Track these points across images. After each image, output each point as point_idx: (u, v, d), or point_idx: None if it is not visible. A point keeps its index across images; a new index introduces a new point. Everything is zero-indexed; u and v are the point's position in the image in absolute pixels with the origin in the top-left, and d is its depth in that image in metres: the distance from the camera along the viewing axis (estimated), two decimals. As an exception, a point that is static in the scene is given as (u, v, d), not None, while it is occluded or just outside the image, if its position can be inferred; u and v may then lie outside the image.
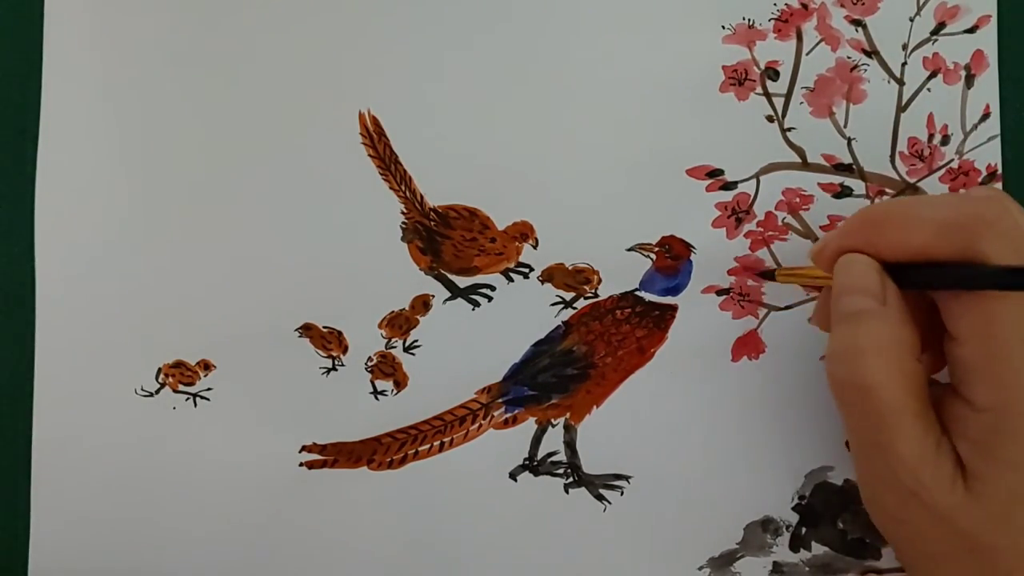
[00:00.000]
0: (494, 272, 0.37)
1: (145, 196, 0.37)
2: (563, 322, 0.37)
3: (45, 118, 0.37)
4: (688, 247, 0.37)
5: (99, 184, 0.37)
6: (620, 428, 0.37)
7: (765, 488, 0.37)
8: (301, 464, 0.37)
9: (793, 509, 0.37)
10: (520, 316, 0.37)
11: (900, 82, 0.36)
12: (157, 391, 0.37)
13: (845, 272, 0.30)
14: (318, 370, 0.37)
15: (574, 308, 0.37)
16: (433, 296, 0.37)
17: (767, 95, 0.36)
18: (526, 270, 0.37)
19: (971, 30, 0.36)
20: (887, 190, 0.37)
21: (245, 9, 0.36)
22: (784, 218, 0.37)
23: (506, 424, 0.37)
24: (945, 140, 0.36)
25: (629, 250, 0.37)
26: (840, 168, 0.37)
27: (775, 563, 0.37)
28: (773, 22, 0.36)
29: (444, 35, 0.36)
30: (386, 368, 0.37)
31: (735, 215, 0.37)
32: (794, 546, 0.37)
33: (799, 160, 0.37)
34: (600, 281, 0.37)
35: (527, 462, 0.37)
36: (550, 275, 0.37)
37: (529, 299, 0.37)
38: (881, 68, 0.36)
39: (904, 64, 0.36)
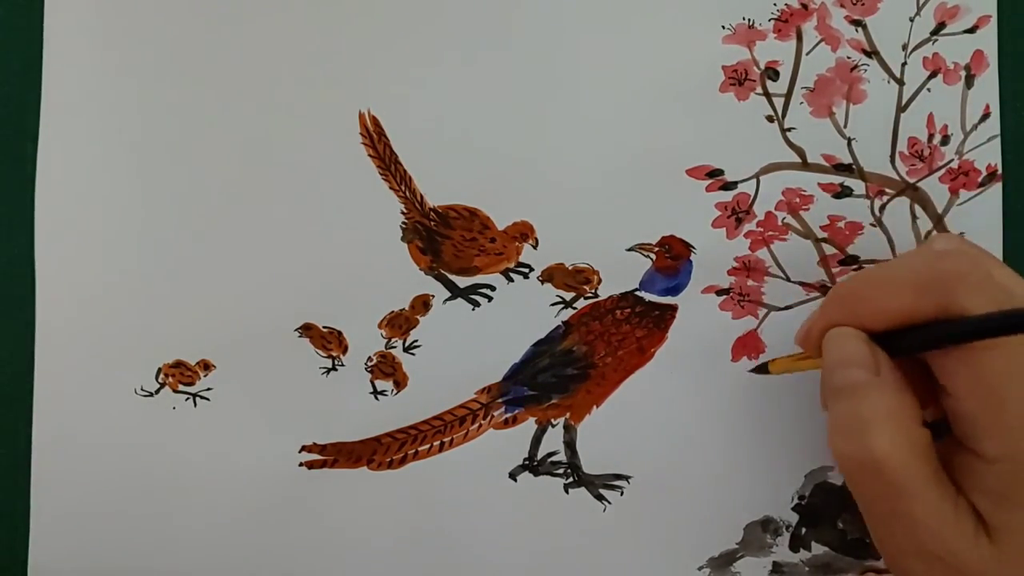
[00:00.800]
0: (494, 272, 0.37)
1: (145, 196, 0.37)
2: (563, 322, 0.37)
3: (45, 118, 0.37)
4: (688, 247, 0.37)
5: (99, 184, 0.37)
6: (620, 428, 0.37)
7: (765, 488, 0.37)
8: (301, 464, 0.37)
9: (793, 509, 0.37)
10: (520, 316, 0.37)
11: (900, 82, 0.36)
12: (157, 391, 0.37)
13: (833, 346, 0.30)
14: (318, 370, 0.37)
15: (574, 308, 0.37)
16: (433, 296, 0.37)
17: (767, 95, 0.36)
18: (526, 270, 0.37)
19: (971, 30, 0.36)
20: (887, 190, 0.37)
21: (245, 9, 0.36)
22: (784, 218, 0.37)
23: (506, 424, 0.37)
24: (945, 140, 0.36)
25: (629, 250, 0.37)
26: (840, 168, 0.37)
27: (775, 563, 0.37)
28: (773, 22, 0.36)
29: (444, 35, 0.36)
30: (386, 368, 0.37)
31: (735, 215, 0.37)
32: (794, 546, 0.37)
33: (799, 160, 0.37)
34: (600, 281, 0.37)
35: (527, 462, 0.37)
36: (550, 275, 0.37)
37: (529, 299, 0.37)
38: (881, 68, 0.36)
39: (904, 64, 0.36)
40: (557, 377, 0.37)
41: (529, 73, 0.36)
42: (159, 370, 0.37)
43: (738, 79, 0.36)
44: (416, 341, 0.37)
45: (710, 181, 0.37)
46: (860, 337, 0.30)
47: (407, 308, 0.37)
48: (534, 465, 0.37)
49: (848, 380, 0.29)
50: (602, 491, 0.37)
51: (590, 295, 0.37)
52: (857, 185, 0.37)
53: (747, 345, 0.37)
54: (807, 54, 0.36)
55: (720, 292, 0.37)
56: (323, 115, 0.36)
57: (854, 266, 0.37)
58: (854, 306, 0.30)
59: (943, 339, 0.28)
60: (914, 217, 0.37)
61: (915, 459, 0.27)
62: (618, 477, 0.37)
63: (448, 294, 0.37)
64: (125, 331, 0.37)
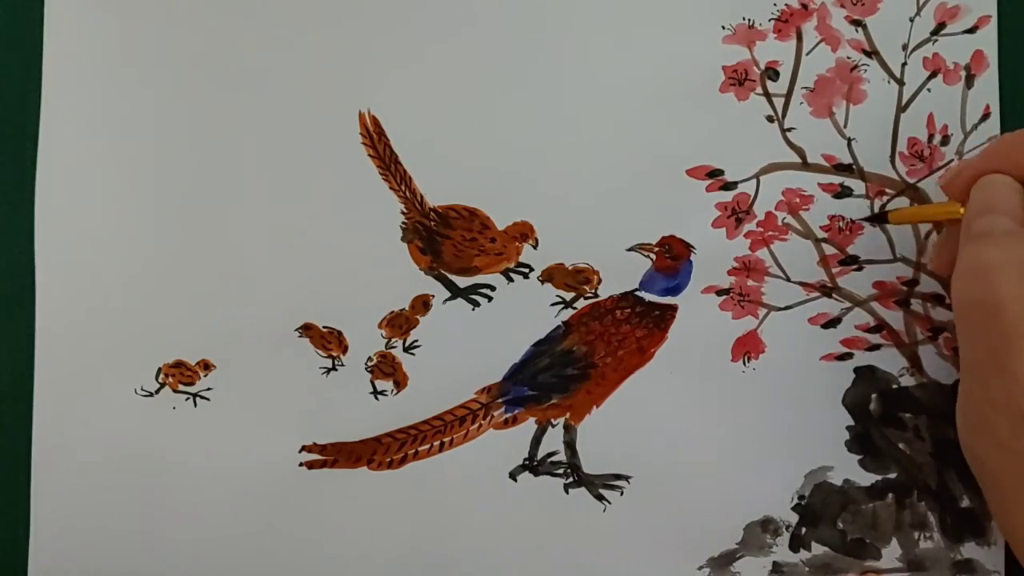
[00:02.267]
0: (494, 272, 0.37)
1: (145, 196, 0.37)
2: (563, 322, 0.37)
3: (45, 118, 0.37)
4: (688, 247, 0.37)
5: (99, 185, 0.37)
6: (620, 428, 0.37)
7: (765, 488, 0.37)
8: (301, 464, 0.37)
9: (793, 509, 0.37)
10: (520, 316, 0.37)
11: (900, 82, 0.36)
12: (157, 391, 0.37)
13: (985, 192, 0.30)
14: (318, 370, 0.37)
15: (574, 308, 0.37)
16: (433, 296, 0.37)
17: (767, 95, 0.36)
18: (526, 270, 0.37)
19: (971, 30, 0.36)
20: (887, 190, 0.37)
21: (245, 10, 0.36)
22: (784, 218, 0.37)
23: (506, 424, 0.37)
24: (945, 140, 0.36)
25: (629, 250, 0.37)
26: (840, 168, 0.37)
27: (775, 563, 0.37)
28: (773, 22, 0.36)
29: (444, 36, 0.36)
30: (386, 368, 0.37)
31: (735, 215, 0.37)
32: (794, 546, 0.37)
33: (799, 160, 0.37)
34: (600, 281, 0.37)
35: (527, 462, 0.37)
36: (550, 275, 0.37)
37: (529, 299, 0.37)
38: (881, 68, 0.36)
39: (904, 64, 0.36)
40: (557, 377, 0.37)
41: (529, 73, 0.36)
42: (159, 370, 0.37)
43: (738, 79, 0.36)
44: (416, 341, 0.37)
45: (710, 181, 0.37)
46: (1014, 187, 0.29)
47: (407, 308, 0.37)
48: (534, 465, 0.37)
49: (990, 226, 0.29)
50: (602, 491, 0.37)
51: (590, 295, 0.37)
52: (857, 185, 0.37)
53: (747, 345, 0.37)
54: (807, 54, 0.36)
55: (720, 292, 0.37)
56: (323, 115, 0.36)
57: (854, 266, 0.37)
58: (1018, 156, 0.29)
59: None
60: (914, 217, 0.37)
61: None
62: (618, 477, 0.37)
63: (448, 294, 0.37)
64: (125, 331, 0.37)
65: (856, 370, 0.37)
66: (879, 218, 0.35)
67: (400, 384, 0.37)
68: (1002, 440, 0.29)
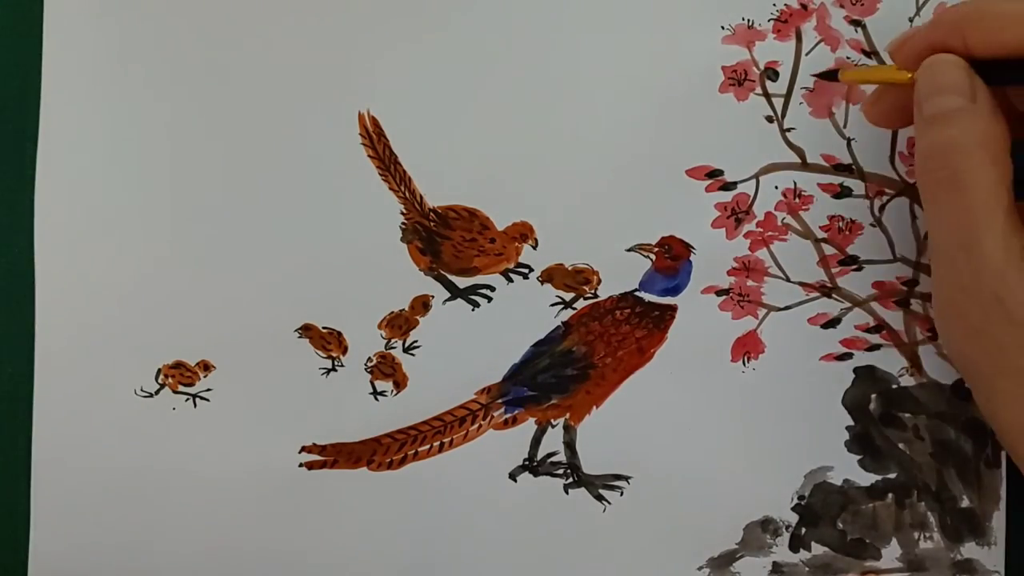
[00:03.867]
0: (494, 272, 0.37)
1: (145, 196, 0.37)
2: (563, 322, 0.37)
3: (45, 118, 0.37)
4: (688, 247, 0.37)
5: (99, 184, 0.37)
6: (620, 428, 0.37)
7: (765, 488, 0.37)
8: (301, 465, 0.37)
9: (792, 509, 0.37)
10: (520, 316, 0.37)
11: (900, 82, 0.36)
12: (157, 391, 0.37)
13: (933, 72, 0.30)
14: (318, 370, 0.37)
15: (574, 308, 0.37)
16: (433, 297, 0.37)
17: (766, 95, 0.36)
18: (526, 270, 0.37)
19: (971, 30, 0.36)
20: (887, 190, 0.37)
21: (244, 10, 0.36)
22: (784, 218, 0.37)
23: (506, 424, 0.37)
24: (945, 140, 0.36)
25: (629, 250, 0.37)
26: (840, 168, 0.37)
27: (775, 563, 0.37)
28: (773, 22, 0.36)
29: (444, 36, 0.36)
30: (386, 368, 0.37)
31: (735, 215, 0.37)
32: (794, 546, 0.37)
33: (799, 160, 0.37)
34: (600, 281, 0.37)
35: (527, 462, 0.37)
36: (550, 275, 0.37)
37: (529, 299, 0.37)
38: (881, 68, 0.36)
39: (904, 64, 0.36)
40: (557, 377, 0.37)
41: (529, 73, 0.36)
42: (159, 371, 0.37)
43: (738, 79, 0.36)
44: (416, 342, 0.37)
45: (710, 181, 0.37)
46: (960, 64, 0.29)
47: (407, 309, 0.37)
48: (534, 465, 0.37)
49: (943, 106, 0.29)
50: (602, 491, 0.37)
51: (590, 295, 0.37)
52: (857, 185, 0.37)
53: (747, 345, 0.37)
54: (807, 54, 0.36)
55: (720, 292, 0.37)
56: (323, 115, 0.36)
57: (854, 266, 0.37)
58: (965, 30, 0.29)
59: None
60: (914, 217, 0.37)
61: (996, 187, 0.28)
62: (618, 477, 0.37)
63: (448, 295, 0.37)
64: (125, 331, 0.37)
65: (856, 370, 0.37)
66: (829, 75, 0.35)
67: (400, 385, 0.37)
68: (973, 324, 0.29)
